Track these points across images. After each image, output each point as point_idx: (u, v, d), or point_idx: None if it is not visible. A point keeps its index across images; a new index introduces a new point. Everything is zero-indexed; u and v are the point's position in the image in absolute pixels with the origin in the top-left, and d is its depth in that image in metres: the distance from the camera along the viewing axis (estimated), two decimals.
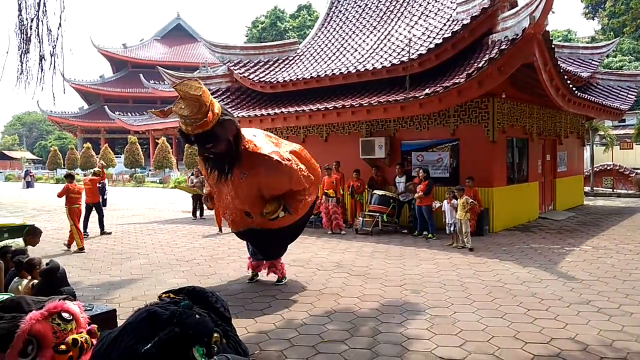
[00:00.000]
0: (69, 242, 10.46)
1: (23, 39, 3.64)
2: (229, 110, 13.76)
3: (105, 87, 54.45)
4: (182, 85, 5.17)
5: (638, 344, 4.59)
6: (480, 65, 9.79)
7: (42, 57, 3.67)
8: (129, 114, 47.87)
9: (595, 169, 21.03)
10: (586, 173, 19.85)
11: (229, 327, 2.85)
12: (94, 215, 12.11)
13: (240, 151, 5.94)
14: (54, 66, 3.71)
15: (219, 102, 15.74)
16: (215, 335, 2.48)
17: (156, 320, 2.37)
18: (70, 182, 10.90)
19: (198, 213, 15.43)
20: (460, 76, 10.25)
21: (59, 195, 10.80)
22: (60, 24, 3.59)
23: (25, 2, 3.60)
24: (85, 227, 11.82)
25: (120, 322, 3.65)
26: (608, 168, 21.47)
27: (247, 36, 58.33)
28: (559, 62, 10.71)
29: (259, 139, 6.33)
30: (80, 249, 10.23)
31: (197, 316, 2.48)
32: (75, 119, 52.92)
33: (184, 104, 5.32)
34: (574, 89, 11.62)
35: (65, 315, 2.74)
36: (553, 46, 10.03)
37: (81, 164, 41.94)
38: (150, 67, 50.76)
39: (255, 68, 15.13)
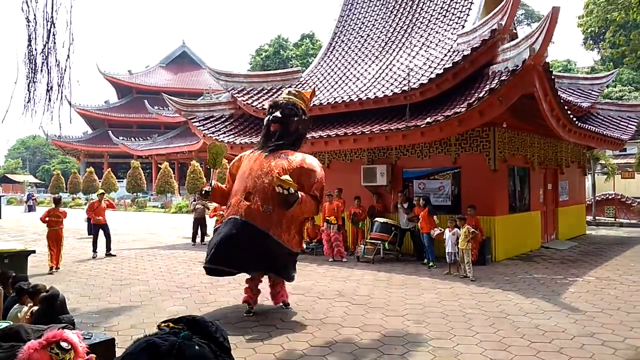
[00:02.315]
0: (56, 264, 10.89)
1: (31, 69, 3.72)
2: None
3: (109, 112, 55.08)
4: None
5: None
6: (481, 95, 9.90)
7: (50, 88, 3.74)
8: (132, 139, 48.29)
9: (597, 198, 20.99)
10: (588, 202, 19.81)
11: (229, 358, 2.82)
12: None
13: (291, 143, 7.31)
14: (62, 96, 3.78)
15: (222, 128, 15.87)
16: None
17: (155, 352, 2.34)
18: (57, 206, 11.40)
19: (199, 239, 15.39)
20: (461, 106, 10.35)
21: (42, 219, 11.32)
22: (68, 56, 3.67)
23: (35, 33, 3.69)
24: (94, 247, 12.75)
25: (119, 351, 3.62)
26: (610, 197, 21.44)
27: (251, 64, 59.18)
28: (559, 93, 10.83)
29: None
30: (50, 269, 10.72)
31: (196, 347, 2.46)
32: (79, 143, 53.36)
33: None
34: (574, 119, 11.70)
35: (63, 344, 2.72)
36: (553, 77, 10.16)
37: (84, 188, 42.13)
38: (154, 93, 51.42)
39: (259, 96, 15.31)
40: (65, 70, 3.72)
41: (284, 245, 6.71)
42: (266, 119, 7.54)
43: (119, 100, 58.01)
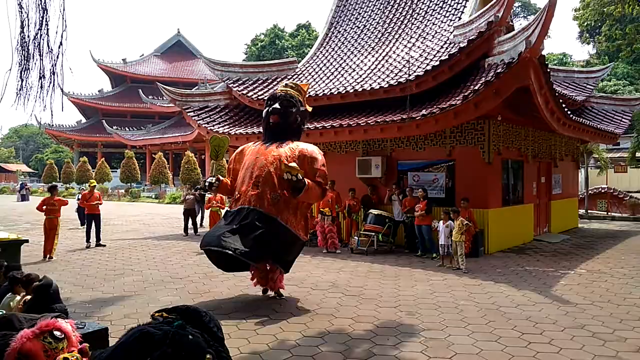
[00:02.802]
0: (48, 253, 10.96)
1: (24, 56, 3.67)
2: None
3: (103, 101, 54.64)
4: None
5: None
6: (476, 87, 9.90)
7: (42, 75, 3.70)
8: (126, 128, 48.02)
9: (589, 191, 21.12)
10: (581, 196, 19.93)
11: (222, 348, 2.83)
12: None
13: (291, 133, 7.44)
14: (54, 84, 3.74)
15: (217, 118, 15.78)
16: (208, 356, 2.46)
17: (149, 341, 2.35)
18: (52, 195, 11.48)
19: (193, 230, 15.31)
20: (457, 98, 10.35)
21: (38, 209, 11.40)
22: (61, 43, 3.63)
23: (28, 20, 3.64)
24: (88, 237, 12.62)
25: (112, 341, 3.62)
26: (602, 191, 21.57)
27: (246, 54, 58.84)
28: (554, 86, 10.83)
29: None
30: (44, 257, 10.83)
31: (190, 337, 2.46)
32: (72, 132, 52.97)
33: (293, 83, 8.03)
34: (569, 112, 11.73)
35: (56, 333, 2.71)
36: (548, 70, 10.17)
37: (77, 178, 41.89)
38: (149, 83, 51.04)
39: (254, 86, 15.23)
40: (57, 57, 3.68)
41: (291, 230, 6.89)
42: (265, 111, 7.65)
43: (113, 90, 57.54)
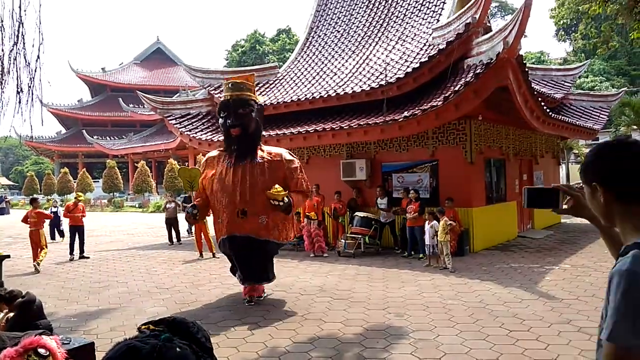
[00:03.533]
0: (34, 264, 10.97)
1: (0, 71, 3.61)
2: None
3: (83, 111, 53.90)
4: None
5: None
6: (456, 88, 10.00)
7: (20, 90, 3.64)
8: (107, 137, 47.41)
9: None
10: None
11: (211, 358, 2.81)
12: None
13: (255, 140, 7.29)
14: (32, 98, 3.69)
15: (199, 125, 15.65)
16: None
17: (136, 355, 2.32)
18: (33, 207, 11.58)
19: (175, 239, 15.05)
20: (438, 99, 10.44)
21: (23, 221, 11.50)
22: (38, 56, 3.58)
23: (2, 34, 3.58)
24: (71, 249, 12.44)
25: (98, 355, 3.57)
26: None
27: (227, 59, 58.63)
28: (532, 85, 10.99)
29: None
30: (35, 268, 10.79)
31: (177, 349, 2.44)
32: (52, 143, 52.12)
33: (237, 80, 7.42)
34: (548, 110, 11.91)
35: (41, 351, 2.67)
36: (526, 69, 10.32)
37: (58, 190, 41.23)
38: (129, 91, 50.50)
39: None
40: (35, 71, 3.63)
41: (281, 243, 7.44)
42: (221, 122, 7.41)
43: (93, 99, 56.80)
